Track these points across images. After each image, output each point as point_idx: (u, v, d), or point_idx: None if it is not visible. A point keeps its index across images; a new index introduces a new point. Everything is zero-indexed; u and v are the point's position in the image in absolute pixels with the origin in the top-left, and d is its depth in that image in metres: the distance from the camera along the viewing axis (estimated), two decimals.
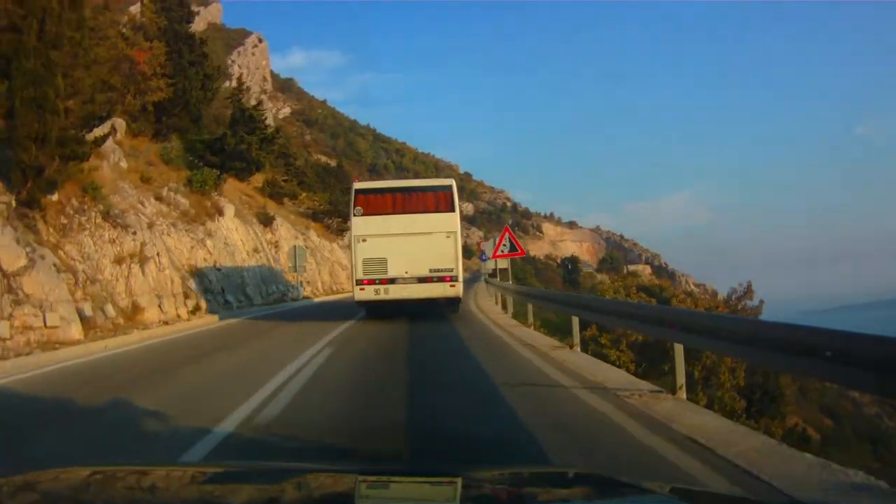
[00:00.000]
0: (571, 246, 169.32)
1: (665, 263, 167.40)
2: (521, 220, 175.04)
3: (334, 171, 78.95)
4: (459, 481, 2.36)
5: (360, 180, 21.32)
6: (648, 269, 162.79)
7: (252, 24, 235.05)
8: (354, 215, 17.59)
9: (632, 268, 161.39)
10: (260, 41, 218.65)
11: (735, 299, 19.91)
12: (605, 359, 13.57)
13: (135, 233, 20.62)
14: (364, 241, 17.32)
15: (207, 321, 21.04)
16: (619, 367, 14.42)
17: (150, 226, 22.11)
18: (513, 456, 5.34)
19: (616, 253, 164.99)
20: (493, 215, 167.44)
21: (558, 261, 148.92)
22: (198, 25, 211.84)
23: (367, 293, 17.26)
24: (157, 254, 21.26)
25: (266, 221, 35.43)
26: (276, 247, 34.98)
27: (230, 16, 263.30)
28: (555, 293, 15.09)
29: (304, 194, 61.30)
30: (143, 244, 20.70)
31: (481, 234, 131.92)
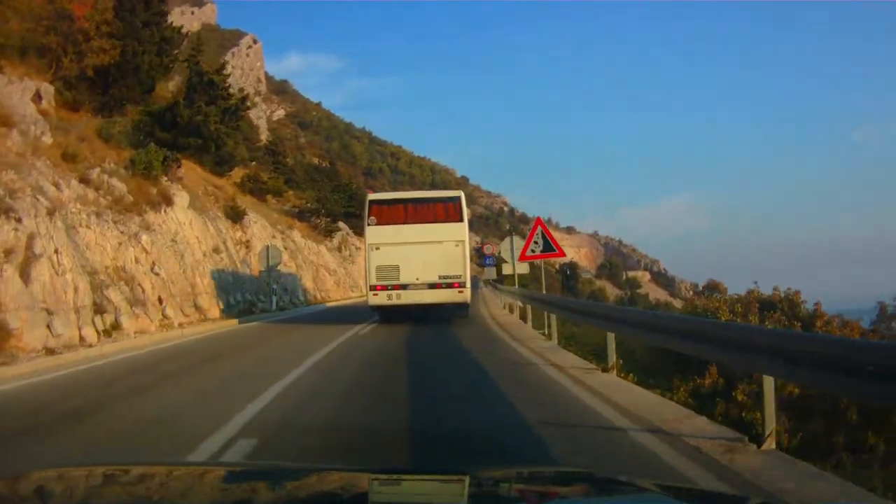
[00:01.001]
0: (569, 251, 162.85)
1: (664, 269, 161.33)
2: (519, 226, 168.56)
3: (326, 170, 72.57)
4: (467, 479, 2.35)
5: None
6: (648, 276, 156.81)
7: (248, 27, 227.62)
8: (368, 225, 17.85)
9: (631, 274, 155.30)
10: (255, 42, 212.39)
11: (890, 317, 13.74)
12: (749, 428, 7.17)
13: (20, 220, 14.23)
14: (377, 248, 17.60)
15: (124, 346, 14.66)
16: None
17: (52, 213, 15.69)
18: None
19: (615, 259, 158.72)
20: (491, 220, 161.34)
21: (557, 266, 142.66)
22: (192, 25, 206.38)
23: (381, 298, 17.58)
24: (56, 251, 14.86)
25: (235, 217, 29.02)
26: (246, 247, 28.57)
27: (225, 17, 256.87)
28: (689, 320, 8.27)
29: (290, 192, 55.32)
30: (31, 237, 14.31)
31: (478, 238, 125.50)
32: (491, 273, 45.94)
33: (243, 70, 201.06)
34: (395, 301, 17.53)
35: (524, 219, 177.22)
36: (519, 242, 23.68)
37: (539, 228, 16.49)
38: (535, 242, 16.35)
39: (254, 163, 57.54)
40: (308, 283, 33.46)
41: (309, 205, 47.06)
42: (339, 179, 56.63)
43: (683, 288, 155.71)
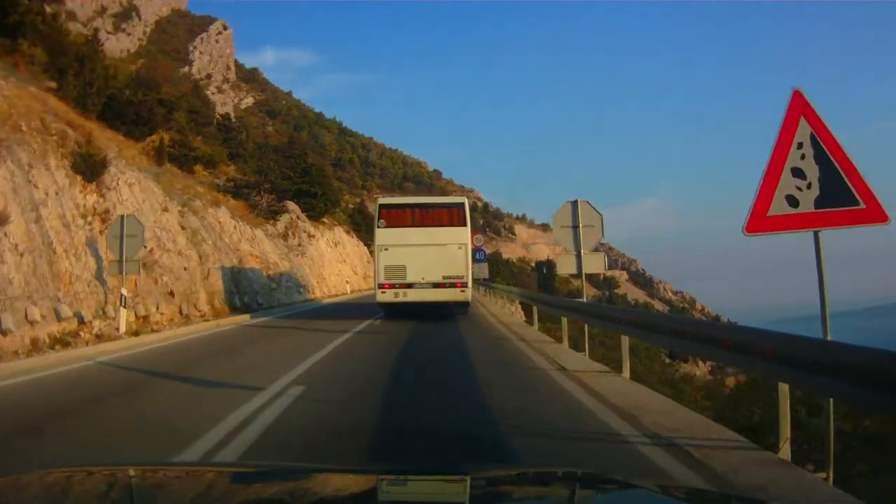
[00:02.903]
0: (545, 249, 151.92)
1: (642, 269, 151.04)
2: (493, 221, 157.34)
3: (283, 148, 59.83)
4: (468, 479, 2.31)
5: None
6: (625, 276, 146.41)
7: (220, 16, 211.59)
8: (378, 227, 18.15)
9: (608, 273, 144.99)
10: (225, 28, 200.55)
11: None
12: None
13: None
14: (386, 249, 17.92)
15: None
16: None
17: None
18: None
19: None
20: None
21: (532, 265, 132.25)
22: (161, 10, 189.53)
23: (388, 296, 17.82)
24: None
25: (89, 171, 16.75)
26: (102, 220, 16.34)
27: (196, 4, 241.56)
28: None
29: (233, 167, 43.04)
30: None
31: None
32: (482, 271, 34.88)
33: (212, 56, 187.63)
34: (401, 298, 17.74)
35: (498, 214, 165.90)
36: (591, 212, 11.83)
37: (805, 130, 4.63)
38: (797, 170, 4.53)
39: (200, 136, 45.27)
40: (216, 281, 21.16)
41: (249, 178, 34.81)
42: (291, 151, 44.28)
43: (662, 288, 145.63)
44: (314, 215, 39.37)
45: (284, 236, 33.02)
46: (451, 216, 18.40)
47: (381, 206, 18.64)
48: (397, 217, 18.21)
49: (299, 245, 33.54)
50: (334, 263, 39.30)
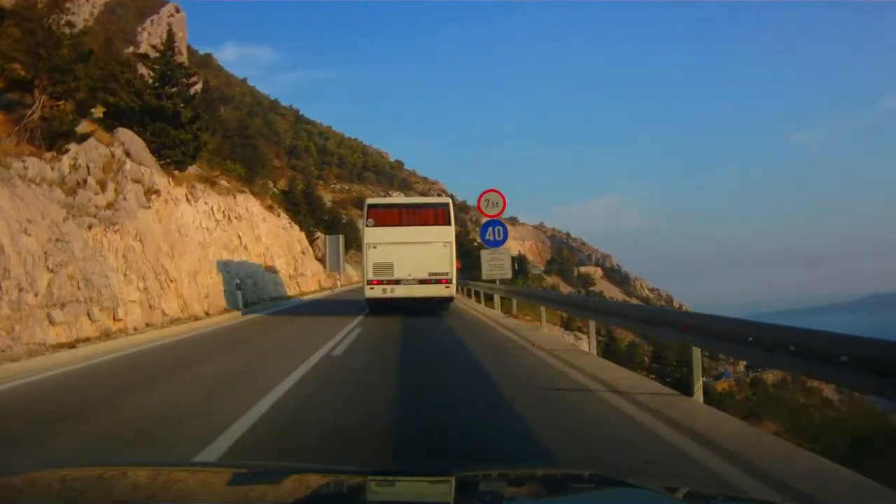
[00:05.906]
0: (513, 244, 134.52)
1: (617, 265, 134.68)
2: (459, 215, 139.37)
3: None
4: (453, 480, 2.18)
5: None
6: (600, 272, 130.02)
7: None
8: (367, 226, 18.12)
9: (582, 269, 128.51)
10: (177, 11, 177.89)
11: None
12: None
13: None
14: (375, 247, 17.87)
15: None
16: None
17: None
18: None
19: (565, 252, 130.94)
20: None
21: None
22: None
23: (376, 292, 17.75)
24: None
25: None
26: None
27: None
28: None
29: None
30: None
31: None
32: (499, 264, 19.00)
33: (162, 39, 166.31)
34: (389, 294, 17.67)
35: (464, 207, 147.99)
36: None
37: None
38: None
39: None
40: None
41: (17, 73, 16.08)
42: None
43: (639, 286, 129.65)
44: (177, 159, 21.11)
45: (75, 186, 14.53)
46: (436, 216, 18.23)
47: (370, 206, 18.33)
48: (385, 216, 18.13)
49: (111, 207, 15.04)
50: (215, 251, 20.87)
